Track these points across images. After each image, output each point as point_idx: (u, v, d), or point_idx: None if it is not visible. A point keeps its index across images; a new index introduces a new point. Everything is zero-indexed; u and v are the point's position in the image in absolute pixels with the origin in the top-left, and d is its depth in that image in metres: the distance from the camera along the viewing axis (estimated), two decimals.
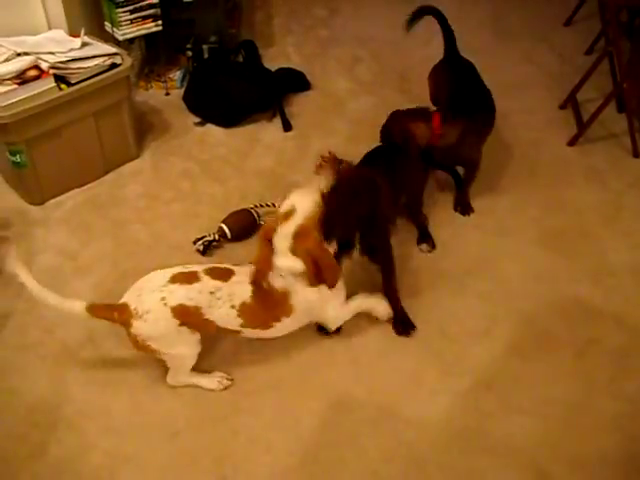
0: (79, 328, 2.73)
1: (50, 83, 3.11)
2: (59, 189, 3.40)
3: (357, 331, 2.76)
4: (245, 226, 3.12)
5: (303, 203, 2.33)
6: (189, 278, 2.33)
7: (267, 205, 3.24)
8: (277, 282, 2.38)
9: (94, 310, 2.32)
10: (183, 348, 2.41)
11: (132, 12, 3.70)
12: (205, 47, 4.19)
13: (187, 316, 2.31)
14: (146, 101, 4.05)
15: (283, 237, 2.32)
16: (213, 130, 3.85)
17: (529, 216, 3.29)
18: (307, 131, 3.84)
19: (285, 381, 2.58)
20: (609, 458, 2.36)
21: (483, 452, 2.37)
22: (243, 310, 2.37)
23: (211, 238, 3.04)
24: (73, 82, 3.17)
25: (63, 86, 3.15)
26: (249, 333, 2.47)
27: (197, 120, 3.89)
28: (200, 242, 3.04)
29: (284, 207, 2.35)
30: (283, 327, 2.49)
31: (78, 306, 2.31)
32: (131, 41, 3.97)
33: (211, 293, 2.32)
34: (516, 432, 2.43)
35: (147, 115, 3.93)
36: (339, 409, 2.49)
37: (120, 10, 3.66)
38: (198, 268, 2.38)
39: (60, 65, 3.17)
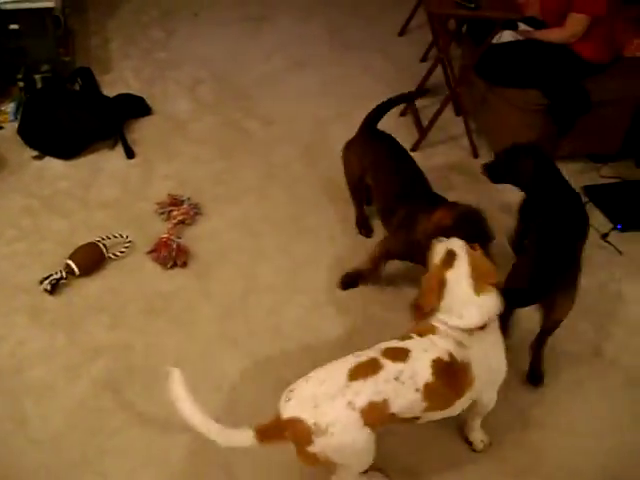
0: None
1: None
2: None
3: (215, 355, 2.75)
4: (93, 260, 3.03)
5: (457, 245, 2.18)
6: (371, 368, 2.04)
7: (115, 236, 3.15)
8: (458, 352, 2.10)
9: (262, 435, 2.00)
10: (366, 455, 2.08)
11: None
12: (38, 77, 4.03)
13: (374, 414, 1.99)
14: None
15: (463, 279, 2.12)
16: (52, 163, 3.69)
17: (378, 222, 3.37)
18: (151, 156, 3.77)
19: (148, 415, 2.51)
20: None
21: None
22: (428, 391, 2.05)
23: (58, 276, 2.93)
24: None
25: None
26: (428, 417, 2.16)
27: (35, 154, 3.72)
28: (47, 281, 2.92)
29: (439, 254, 2.18)
30: (463, 403, 2.19)
31: (247, 437, 1.99)
32: None
33: (396, 379, 2.03)
34: None
35: None
36: (207, 439, 2.44)
37: None
38: (373, 353, 2.09)
39: None
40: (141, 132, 3.94)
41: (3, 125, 3.92)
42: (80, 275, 2.99)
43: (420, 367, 2.05)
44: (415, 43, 4.89)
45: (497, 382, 2.26)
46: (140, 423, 2.48)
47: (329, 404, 1.96)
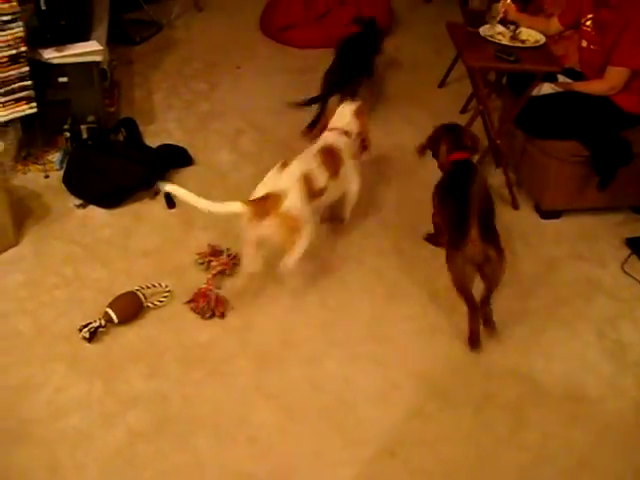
0: None
1: None
2: None
3: (251, 406, 2.72)
4: (132, 309, 3.04)
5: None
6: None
7: (154, 286, 3.17)
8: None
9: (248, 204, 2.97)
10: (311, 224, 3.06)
11: (3, 95, 3.60)
12: (83, 127, 4.10)
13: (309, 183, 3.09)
14: (24, 185, 3.90)
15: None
16: (95, 211, 3.74)
17: (421, 278, 3.35)
18: (191, 208, 3.76)
19: (181, 469, 2.49)
20: None
21: None
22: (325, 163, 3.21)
23: (97, 324, 2.94)
24: None
25: None
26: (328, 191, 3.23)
27: (78, 202, 3.78)
28: (86, 329, 2.93)
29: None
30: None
31: (236, 206, 2.92)
32: (5, 124, 3.85)
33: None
34: None
35: (26, 200, 3.78)
36: None
37: None
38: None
39: None
40: (182, 182, 3.94)
41: (49, 174, 4.01)
42: (119, 324, 3.00)
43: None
44: (455, 95, 4.91)
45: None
46: (174, 474, 2.46)
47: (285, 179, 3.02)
